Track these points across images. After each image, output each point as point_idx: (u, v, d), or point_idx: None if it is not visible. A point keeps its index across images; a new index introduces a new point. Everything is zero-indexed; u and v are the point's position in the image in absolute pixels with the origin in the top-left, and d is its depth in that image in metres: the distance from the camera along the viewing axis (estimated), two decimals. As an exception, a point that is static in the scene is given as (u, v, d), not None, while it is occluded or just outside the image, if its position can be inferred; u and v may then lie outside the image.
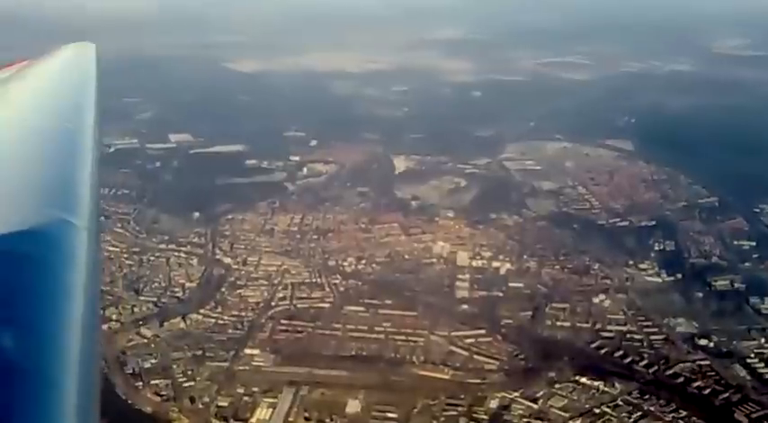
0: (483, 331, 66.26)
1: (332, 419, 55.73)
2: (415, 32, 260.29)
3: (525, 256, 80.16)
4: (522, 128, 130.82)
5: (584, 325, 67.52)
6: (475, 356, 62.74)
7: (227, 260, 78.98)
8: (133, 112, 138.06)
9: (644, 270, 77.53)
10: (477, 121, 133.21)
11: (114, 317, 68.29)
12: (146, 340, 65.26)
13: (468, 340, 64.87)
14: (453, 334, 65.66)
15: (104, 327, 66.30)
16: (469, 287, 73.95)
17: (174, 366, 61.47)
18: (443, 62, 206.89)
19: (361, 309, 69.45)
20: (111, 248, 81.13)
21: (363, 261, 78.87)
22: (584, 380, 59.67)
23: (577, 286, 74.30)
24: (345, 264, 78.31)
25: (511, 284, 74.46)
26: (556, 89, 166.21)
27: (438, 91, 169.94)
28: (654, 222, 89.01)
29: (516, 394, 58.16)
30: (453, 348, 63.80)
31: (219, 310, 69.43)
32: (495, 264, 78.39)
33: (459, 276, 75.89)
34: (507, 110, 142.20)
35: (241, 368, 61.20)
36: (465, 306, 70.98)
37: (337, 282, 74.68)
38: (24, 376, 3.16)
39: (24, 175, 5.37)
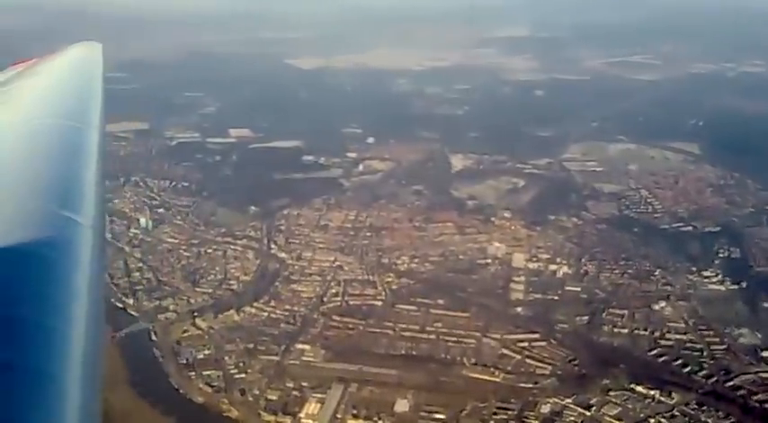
0: (537, 335, 64.95)
1: (379, 418, 55.35)
2: (479, 30, 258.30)
3: (584, 260, 78.37)
4: (584, 128, 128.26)
5: (643, 332, 65.48)
6: (527, 360, 61.49)
7: (282, 255, 79.55)
8: (195, 107, 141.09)
9: (707, 277, 74.77)
10: (538, 120, 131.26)
11: (171, 307, 69.56)
12: (200, 331, 66.17)
13: (522, 343, 63.65)
14: (506, 337, 64.54)
15: (161, 317, 67.73)
16: (524, 290, 72.64)
17: (227, 358, 62.10)
18: (506, 60, 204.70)
19: (413, 308, 68.92)
20: (170, 240, 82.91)
21: (417, 260, 78.31)
22: (639, 388, 57.82)
23: (637, 292, 72.16)
24: (398, 262, 77.90)
25: (567, 288, 72.81)
26: (621, 89, 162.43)
27: (500, 89, 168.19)
28: (719, 228, 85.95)
29: (569, 400, 56.75)
30: (505, 351, 62.69)
31: (273, 303, 69.90)
32: (552, 266, 76.87)
33: (515, 278, 74.67)
34: (570, 109, 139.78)
35: (292, 362, 61.44)
36: (519, 309, 69.76)
37: (390, 280, 74.35)
38: (29, 373, 3.16)
39: (30, 174, 5.34)
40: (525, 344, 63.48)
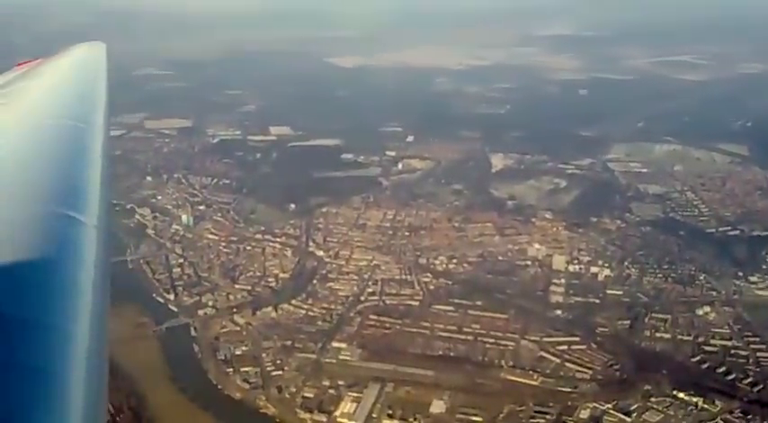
0: (577, 338, 63.95)
1: (415, 419, 55.05)
2: (523, 28, 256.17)
3: (626, 263, 76.90)
4: (629, 128, 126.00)
5: (686, 337, 63.96)
6: (567, 364, 60.57)
7: (320, 253, 79.72)
8: (237, 105, 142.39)
9: (754, 283, 72.64)
10: (581, 120, 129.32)
11: (210, 303, 70.25)
12: (238, 328, 66.70)
13: (561, 347, 62.74)
14: (545, 339, 63.70)
15: (200, 313, 68.40)
16: (564, 292, 71.52)
17: (264, 355, 62.48)
18: (550, 59, 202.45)
19: (451, 308, 68.43)
20: (210, 236, 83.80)
21: (455, 260, 77.73)
22: (681, 395, 56.43)
23: (681, 297, 70.54)
24: (436, 262, 77.41)
25: (609, 291, 71.50)
26: (667, 89, 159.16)
27: (543, 88, 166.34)
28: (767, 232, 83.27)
29: (609, 406, 55.70)
30: (544, 354, 61.86)
31: (310, 301, 70.11)
32: (594, 269, 75.56)
33: (555, 281, 73.61)
34: (614, 109, 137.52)
35: (328, 361, 61.50)
36: (559, 311, 68.72)
37: (427, 280, 73.93)
38: (34, 373, 3.13)
39: (34, 174, 5.35)
40: (564, 347, 62.62)
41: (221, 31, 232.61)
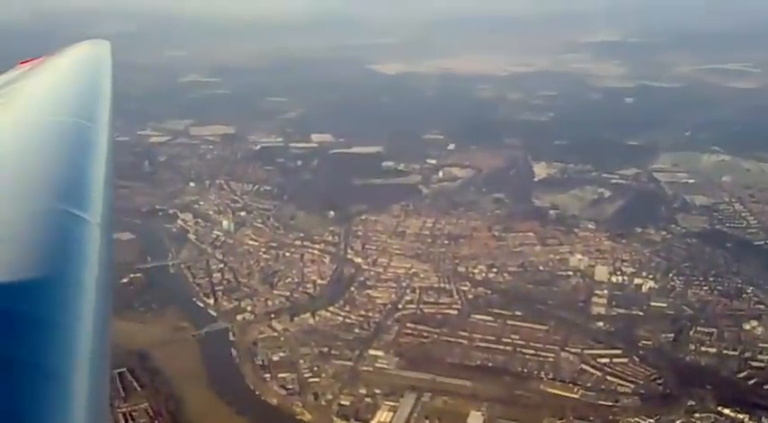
0: (619, 351, 62.58)
1: (452, 429, 54.33)
2: (568, 35, 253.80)
3: (671, 275, 75.14)
4: (676, 138, 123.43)
5: (732, 352, 62.02)
6: (608, 377, 59.25)
7: (358, 260, 79.64)
8: (279, 112, 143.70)
9: (805, 297, 70.17)
10: (627, 128, 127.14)
11: (249, 308, 70.61)
12: (276, 333, 66.85)
13: (602, 360, 61.45)
14: (586, 352, 62.45)
15: (239, 318, 68.81)
16: (607, 304, 70.12)
17: (301, 361, 62.42)
18: (595, 66, 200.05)
19: (490, 318, 67.59)
20: (250, 242, 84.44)
21: (495, 269, 76.88)
22: (727, 411, 54.64)
23: (727, 310, 68.49)
24: (476, 271, 76.65)
25: (653, 304, 69.85)
26: (716, 97, 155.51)
27: (587, 96, 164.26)
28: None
29: (651, 421, 54.31)
30: (585, 367, 60.64)
31: (348, 308, 69.98)
32: (637, 281, 74.01)
33: (597, 292, 72.26)
34: (661, 118, 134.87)
35: (365, 369, 61.21)
36: (600, 323, 67.39)
37: (466, 289, 73.22)
38: (36, 370, 3.13)
39: (37, 171, 5.32)
40: (606, 360, 61.36)
41: (266, 38, 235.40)
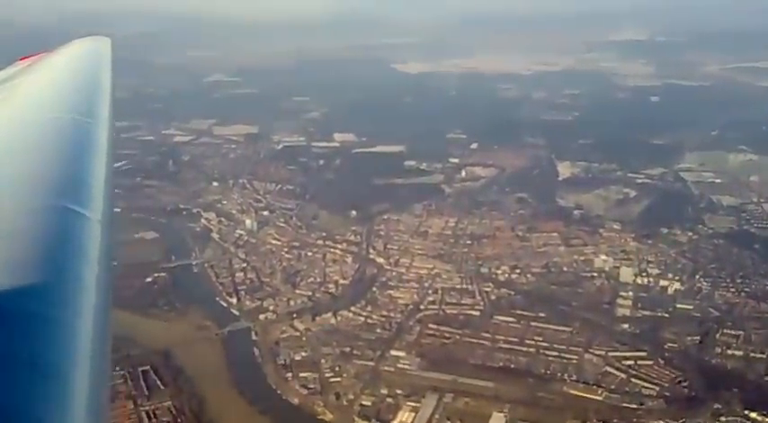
0: (643, 353, 61.76)
1: (474, 431, 53.96)
2: (594, 34, 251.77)
3: (698, 276, 74.00)
4: (703, 137, 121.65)
5: (760, 355, 60.92)
6: (632, 379, 58.51)
7: (380, 260, 79.47)
8: (302, 111, 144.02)
9: (835, 300, 68.73)
10: (653, 127, 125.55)
11: (271, 308, 70.75)
12: (298, 333, 66.87)
13: (627, 362, 60.71)
14: (610, 354, 61.76)
15: (261, 317, 69.00)
16: (632, 305, 69.25)
17: (323, 361, 62.38)
18: (621, 65, 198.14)
19: (512, 319, 67.04)
20: (273, 242, 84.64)
21: (518, 270, 76.28)
22: (754, 415, 53.64)
23: (755, 312, 67.25)
24: (499, 272, 76.12)
25: (679, 306, 68.83)
26: (744, 97, 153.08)
27: (613, 95, 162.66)
28: None
29: (676, 424, 53.41)
30: (609, 369, 59.97)
31: (369, 308, 69.82)
32: (663, 282, 72.98)
33: (622, 293, 71.41)
34: (688, 117, 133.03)
35: (386, 369, 61.00)
36: (625, 325, 66.59)
37: (489, 290, 72.74)
38: (36, 368, 3.13)
39: (37, 167, 5.29)
40: (631, 362, 60.64)
41: (290, 38, 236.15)
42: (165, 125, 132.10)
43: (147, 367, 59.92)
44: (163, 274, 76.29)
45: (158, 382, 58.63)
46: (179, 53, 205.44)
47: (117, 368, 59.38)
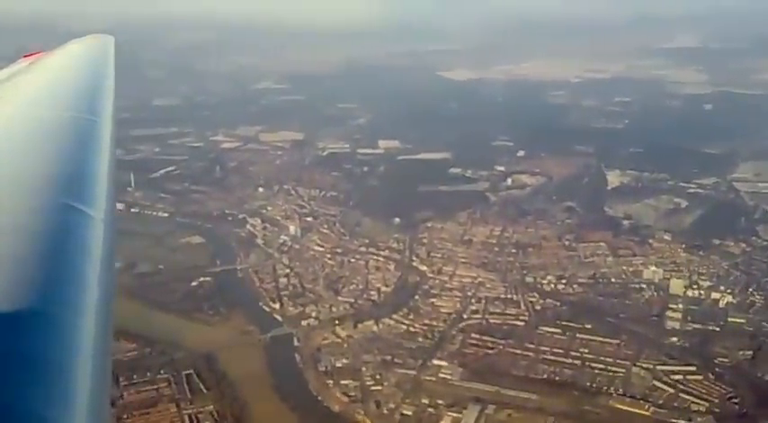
0: (693, 368, 60.04)
1: (516, 444, 53.02)
2: (646, 40, 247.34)
3: (750, 289, 71.73)
4: (758, 146, 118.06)
5: (816, 372, 58.58)
6: (681, 394, 56.89)
7: (423, 268, 78.95)
8: (348, 118, 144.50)
9: None
10: (706, 136, 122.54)
11: (313, 314, 70.83)
12: (339, 340, 66.76)
13: (676, 376, 59.05)
14: (659, 367, 60.17)
15: (304, 323, 69.18)
16: (682, 318, 67.44)
17: (364, 369, 62.10)
18: (673, 72, 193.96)
19: (558, 331, 65.86)
20: (316, 248, 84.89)
21: (564, 280, 74.97)
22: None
23: (812, 328, 64.81)
24: (544, 282, 74.91)
25: (731, 319, 66.81)
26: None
27: (664, 103, 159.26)
28: None
29: (727, 442, 51.70)
30: (657, 383, 58.40)
31: (411, 317, 69.34)
32: (715, 295, 70.97)
33: (671, 305, 69.62)
34: (742, 125, 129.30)
35: (428, 378, 60.43)
36: (675, 338, 64.84)
37: (534, 300, 71.60)
38: (38, 366, 3.10)
39: (40, 166, 5.29)
40: (679, 377, 58.97)
41: (337, 45, 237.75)
42: (213, 132, 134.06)
43: (191, 371, 60.55)
44: (208, 279, 77.09)
45: (201, 386, 59.19)
46: (229, 61, 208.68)
47: (161, 371, 60.62)
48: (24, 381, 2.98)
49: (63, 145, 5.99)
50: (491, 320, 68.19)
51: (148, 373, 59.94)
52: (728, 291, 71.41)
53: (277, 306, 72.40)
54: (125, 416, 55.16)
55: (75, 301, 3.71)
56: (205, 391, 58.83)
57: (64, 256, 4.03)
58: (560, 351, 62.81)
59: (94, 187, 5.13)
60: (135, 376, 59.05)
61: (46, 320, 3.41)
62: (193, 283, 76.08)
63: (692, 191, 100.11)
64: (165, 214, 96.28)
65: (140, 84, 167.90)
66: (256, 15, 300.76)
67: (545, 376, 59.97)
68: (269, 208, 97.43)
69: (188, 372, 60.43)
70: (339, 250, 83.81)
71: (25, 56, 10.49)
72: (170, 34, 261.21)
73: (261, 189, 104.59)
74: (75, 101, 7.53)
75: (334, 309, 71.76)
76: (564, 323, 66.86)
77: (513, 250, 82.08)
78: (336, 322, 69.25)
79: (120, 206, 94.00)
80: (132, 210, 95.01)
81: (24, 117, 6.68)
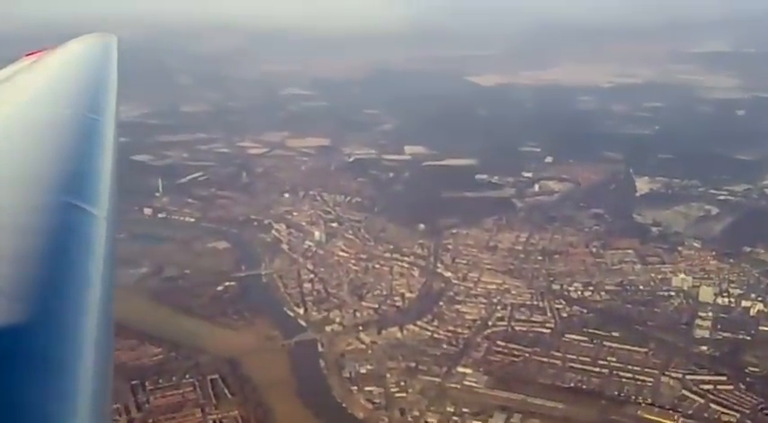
0: (723, 377, 58.96)
1: (542, 453, 52.38)
2: (677, 44, 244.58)
3: (783, 298, 70.15)
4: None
5: None
6: (711, 405, 55.88)
7: (448, 274, 78.54)
8: (374, 124, 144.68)
9: None
10: (738, 142, 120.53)
11: (338, 320, 70.76)
12: (364, 346, 66.54)
13: (705, 386, 58.04)
14: (688, 377, 59.12)
15: (328, 329, 69.14)
16: (711, 327, 66.25)
17: (388, 375, 61.75)
18: (705, 77, 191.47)
19: (585, 338, 65.04)
20: (340, 253, 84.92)
21: (591, 287, 74.07)
22: None
23: None
24: (571, 289, 74.04)
25: (762, 328, 65.64)
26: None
27: (696, 108, 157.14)
28: None
29: (758, 455, 50.56)
30: (686, 393, 57.39)
31: (436, 323, 68.93)
32: (745, 303, 69.71)
33: (701, 314, 68.48)
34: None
35: (452, 386, 59.96)
36: (704, 347, 63.65)
37: (560, 307, 70.80)
38: (39, 364, 3.12)
39: (42, 164, 5.36)
40: (710, 386, 57.98)
41: (364, 51, 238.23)
42: (241, 138, 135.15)
43: (216, 376, 60.71)
44: (233, 284, 77.50)
45: (226, 391, 59.27)
46: (258, 68, 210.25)
47: (186, 376, 60.88)
48: (27, 378, 2.99)
49: (65, 143, 6.04)
50: (517, 328, 67.57)
51: (174, 378, 60.26)
52: (759, 299, 70.08)
53: (301, 311, 72.46)
54: (151, 420, 55.60)
55: (77, 298, 3.74)
56: (230, 396, 58.90)
57: (66, 253, 4.05)
58: (587, 359, 62.05)
59: (97, 186, 5.18)
60: (160, 381, 59.50)
61: (49, 318, 3.42)
62: (219, 288, 76.51)
63: (722, 198, 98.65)
64: (192, 219, 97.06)
65: (169, 90, 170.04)
66: (283, 21, 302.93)
67: (572, 385, 59.22)
68: (294, 213, 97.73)
69: (213, 376, 60.60)
70: (364, 256, 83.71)
71: (27, 54, 10.54)
72: (198, 41, 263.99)
73: (286, 195, 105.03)
74: (77, 99, 7.59)
75: (358, 314, 71.60)
76: (591, 331, 66.09)
77: (540, 257, 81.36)
78: (360, 328, 69.10)
79: (147, 211, 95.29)
80: (159, 215, 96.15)
81: (26, 116, 6.73)
